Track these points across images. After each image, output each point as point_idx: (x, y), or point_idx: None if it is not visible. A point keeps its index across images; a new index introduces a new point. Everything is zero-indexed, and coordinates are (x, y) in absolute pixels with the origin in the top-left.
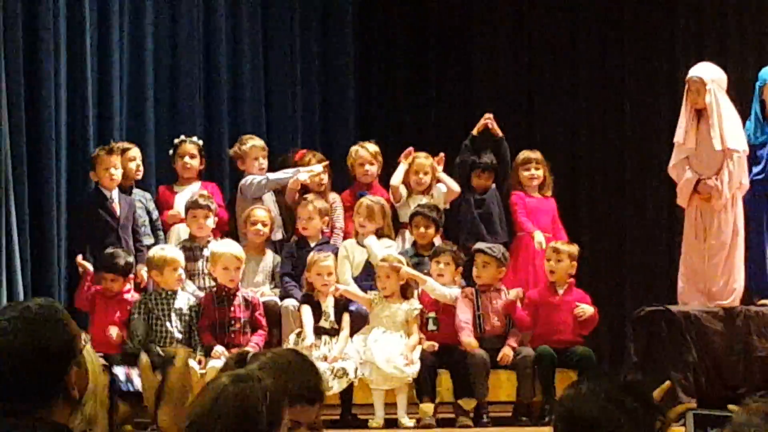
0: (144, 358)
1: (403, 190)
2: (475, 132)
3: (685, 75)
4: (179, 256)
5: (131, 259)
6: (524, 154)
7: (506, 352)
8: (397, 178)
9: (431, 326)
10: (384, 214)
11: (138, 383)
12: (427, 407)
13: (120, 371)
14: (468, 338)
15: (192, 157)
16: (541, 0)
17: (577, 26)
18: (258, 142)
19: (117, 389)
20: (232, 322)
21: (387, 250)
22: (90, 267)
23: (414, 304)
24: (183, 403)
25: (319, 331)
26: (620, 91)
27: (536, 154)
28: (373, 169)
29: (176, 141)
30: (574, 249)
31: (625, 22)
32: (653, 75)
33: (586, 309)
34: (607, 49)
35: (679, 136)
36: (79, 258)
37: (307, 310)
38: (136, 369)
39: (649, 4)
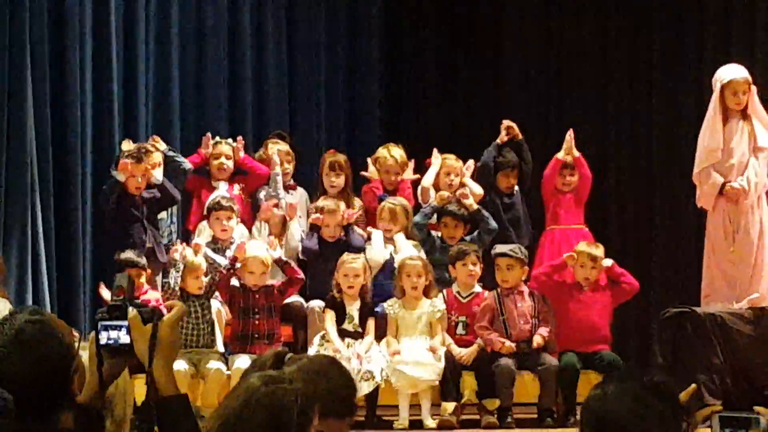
0: (133, 311)
1: (431, 192)
2: (499, 141)
3: (712, 74)
4: (202, 263)
5: (144, 261)
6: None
7: (538, 341)
8: (428, 180)
9: (460, 330)
10: (407, 214)
11: (122, 337)
12: (448, 405)
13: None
14: (497, 339)
15: (228, 158)
16: (570, 1)
17: (606, 26)
18: (283, 146)
19: (103, 345)
20: (255, 309)
21: (414, 250)
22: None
23: (437, 305)
24: (173, 355)
25: (342, 334)
26: (648, 91)
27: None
28: (398, 177)
29: (211, 141)
30: (601, 251)
31: (654, 23)
32: (681, 75)
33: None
34: (636, 48)
35: (714, 140)
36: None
37: (330, 316)
38: (120, 323)
39: (678, 6)
